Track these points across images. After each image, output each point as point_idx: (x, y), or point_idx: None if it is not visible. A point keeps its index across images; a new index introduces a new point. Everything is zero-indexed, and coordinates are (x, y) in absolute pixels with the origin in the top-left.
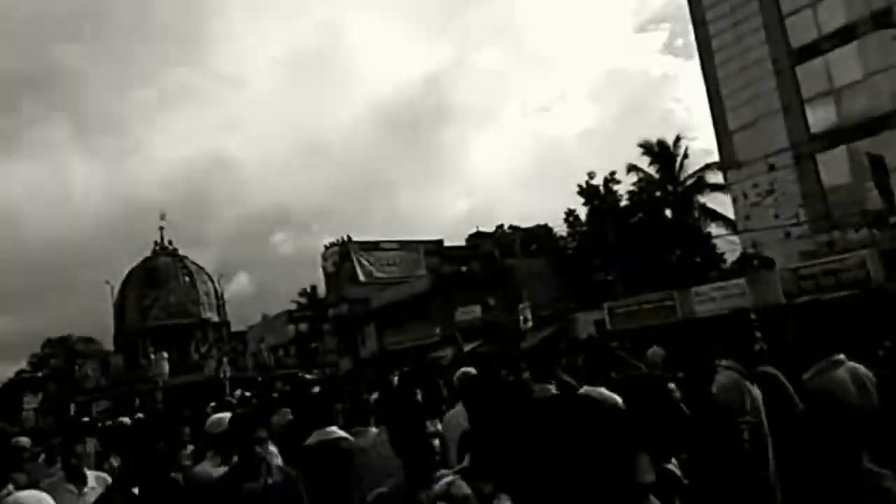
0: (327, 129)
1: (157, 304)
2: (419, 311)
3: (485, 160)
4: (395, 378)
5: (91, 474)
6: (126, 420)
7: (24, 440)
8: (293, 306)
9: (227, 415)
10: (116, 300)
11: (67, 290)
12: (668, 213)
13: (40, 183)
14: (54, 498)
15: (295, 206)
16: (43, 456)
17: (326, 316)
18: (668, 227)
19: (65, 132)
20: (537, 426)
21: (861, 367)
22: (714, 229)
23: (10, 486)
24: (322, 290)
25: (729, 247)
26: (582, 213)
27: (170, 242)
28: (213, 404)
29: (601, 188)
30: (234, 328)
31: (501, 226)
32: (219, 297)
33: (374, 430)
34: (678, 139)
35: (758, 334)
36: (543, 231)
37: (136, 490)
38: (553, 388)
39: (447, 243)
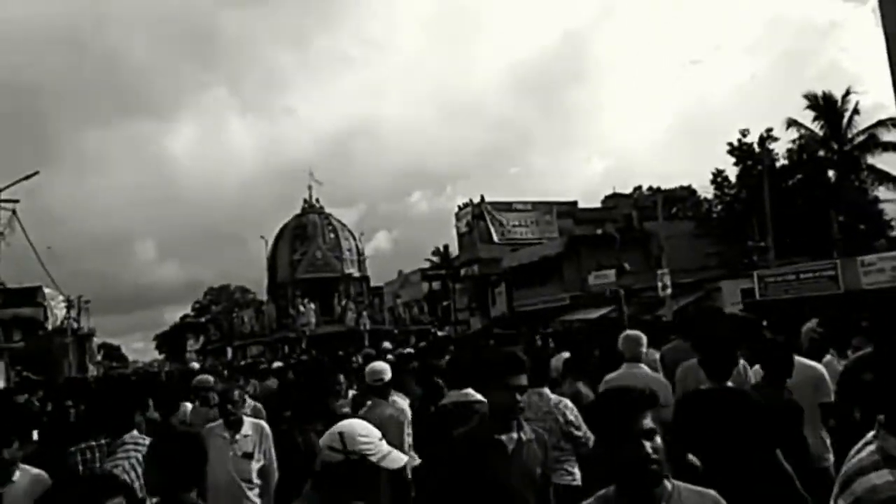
0: (465, 90)
1: (305, 258)
2: (551, 273)
3: (624, 118)
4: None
5: (248, 421)
6: (279, 364)
7: (208, 378)
8: (426, 264)
9: (381, 364)
10: (269, 253)
11: (228, 243)
12: (831, 174)
13: (202, 142)
14: (207, 443)
15: (432, 166)
16: (197, 402)
17: (458, 275)
18: (831, 189)
19: (224, 94)
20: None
21: None
22: (883, 193)
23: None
24: (454, 249)
25: None
26: (732, 173)
27: (317, 200)
28: (362, 353)
29: (755, 146)
30: (372, 283)
31: (640, 187)
32: (360, 253)
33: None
34: (847, 93)
35: None
36: (686, 193)
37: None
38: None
39: (581, 205)
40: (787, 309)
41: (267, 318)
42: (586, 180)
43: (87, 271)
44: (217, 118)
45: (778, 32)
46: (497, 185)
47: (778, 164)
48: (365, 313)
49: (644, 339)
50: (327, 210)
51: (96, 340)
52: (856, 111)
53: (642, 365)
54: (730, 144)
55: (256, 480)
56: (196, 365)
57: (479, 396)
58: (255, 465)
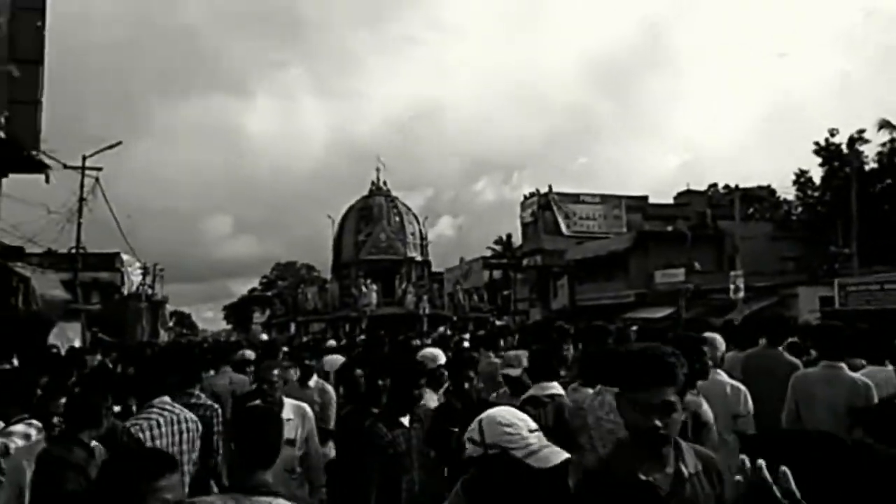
0: (536, 77)
1: (370, 239)
2: (616, 268)
3: (703, 112)
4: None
5: (289, 403)
6: (332, 342)
7: (249, 353)
8: (488, 253)
9: (435, 350)
10: (335, 233)
11: (297, 221)
12: None
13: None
14: None
15: (499, 154)
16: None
17: (520, 265)
18: None
19: (299, 73)
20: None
21: None
22: None
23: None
24: (517, 238)
25: None
26: (816, 174)
27: (384, 183)
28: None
29: (843, 147)
30: (434, 268)
31: (715, 185)
32: (423, 237)
33: (589, 389)
34: None
35: None
36: (766, 193)
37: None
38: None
39: (652, 200)
40: (868, 320)
41: (330, 296)
42: (659, 175)
43: (163, 241)
44: (291, 97)
45: (874, 26)
46: (565, 175)
47: (867, 168)
48: (425, 297)
49: (722, 343)
50: (393, 193)
51: (169, 308)
52: None
53: (720, 371)
54: (816, 144)
55: (299, 469)
56: (265, 336)
57: (560, 391)
58: (298, 453)
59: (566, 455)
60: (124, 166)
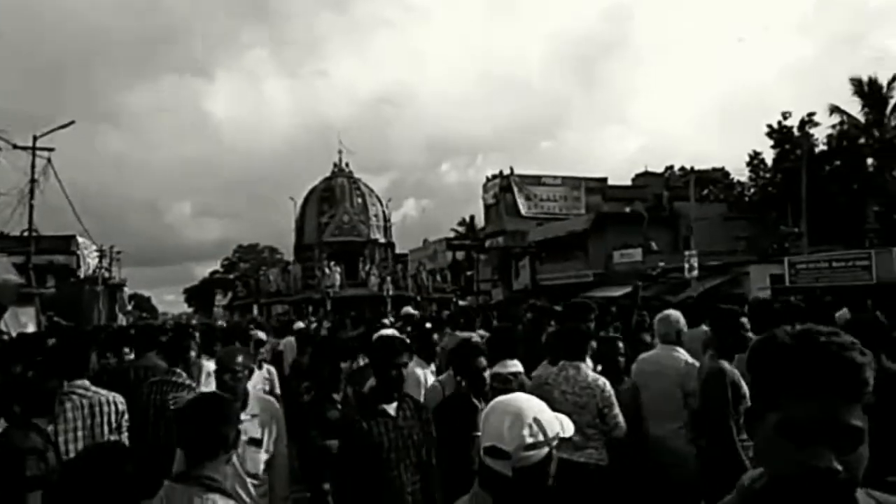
0: (502, 62)
1: (333, 221)
2: (576, 248)
3: (663, 96)
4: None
5: (255, 397)
6: (300, 324)
7: (261, 334)
8: (452, 234)
9: (391, 331)
10: (297, 215)
11: (259, 203)
12: (869, 161)
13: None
14: None
15: (464, 137)
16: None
17: (483, 246)
18: (869, 178)
19: (264, 55)
20: None
21: None
22: None
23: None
24: (480, 220)
25: None
26: (769, 156)
27: (346, 165)
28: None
29: (795, 130)
30: (398, 250)
31: (672, 167)
32: (386, 219)
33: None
34: (894, 79)
35: None
36: (720, 175)
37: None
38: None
39: (611, 182)
40: (816, 297)
41: (293, 278)
42: (619, 158)
43: (122, 223)
44: (256, 79)
45: (828, 14)
46: (528, 158)
47: (817, 150)
48: (389, 279)
49: (681, 319)
50: (358, 175)
51: (127, 291)
52: None
53: (679, 348)
54: (769, 127)
55: (263, 476)
56: (222, 323)
57: (520, 367)
58: (264, 456)
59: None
60: (80, 147)
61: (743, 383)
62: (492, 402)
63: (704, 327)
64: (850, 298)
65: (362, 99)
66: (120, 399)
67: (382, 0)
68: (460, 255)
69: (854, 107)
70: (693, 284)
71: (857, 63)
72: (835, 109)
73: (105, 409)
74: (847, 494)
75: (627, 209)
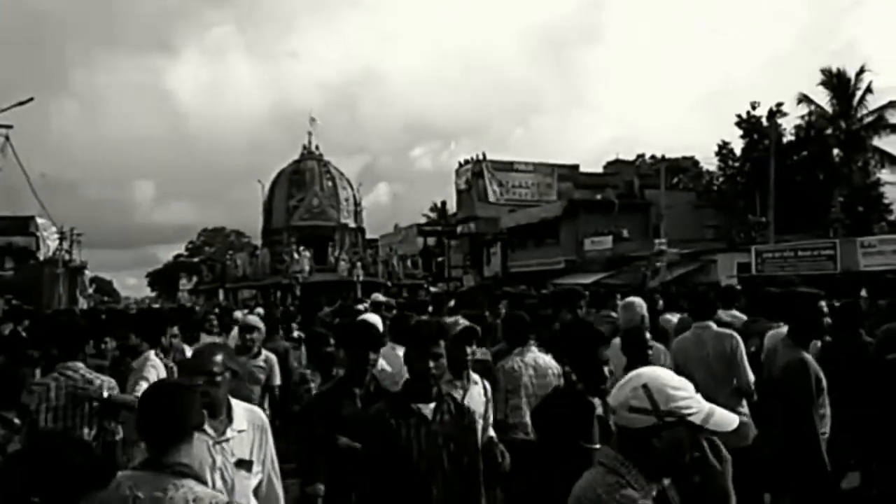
0: (477, 46)
1: (302, 205)
2: (547, 235)
3: (636, 85)
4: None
5: (241, 409)
6: (259, 311)
7: (256, 319)
8: (423, 220)
9: (374, 316)
10: (266, 198)
11: (226, 186)
12: (836, 152)
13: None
14: None
15: (437, 121)
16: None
17: (455, 232)
18: (835, 168)
19: (230, 32)
20: None
21: None
22: (886, 175)
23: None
24: (452, 206)
25: None
26: (738, 146)
27: (317, 147)
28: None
29: (763, 120)
30: (368, 235)
31: (643, 155)
32: (357, 204)
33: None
34: (861, 71)
35: None
36: (690, 163)
37: None
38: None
39: (583, 169)
40: (781, 285)
41: (261, 262)
42: (592, 145)
43: (83, 205)
44: (222, 58)
45: (800, 6)
46: (502, 144)
47: (785, 140)
48: (359, 264)
49: (643, 306)
50: (328, 158)
51: (88, 274)
52: (868, 90)
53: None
54: (738, 116)
55: (254, 502)
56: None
57: (487, 356)
58: (255, 480)
59: (737, 418)
60: (40, 125)
61: (822, 375)
62: None
63: (668, 315)
64: (815, 287)
65: (333, 81)
66: (111, 384)
67: None
68: (431, 240)
69: (823, 98)
70: (662, 272)
71: (826, 56)
72: (803, 99)
73: (89, 391)
74: None
75: (599, 196)
